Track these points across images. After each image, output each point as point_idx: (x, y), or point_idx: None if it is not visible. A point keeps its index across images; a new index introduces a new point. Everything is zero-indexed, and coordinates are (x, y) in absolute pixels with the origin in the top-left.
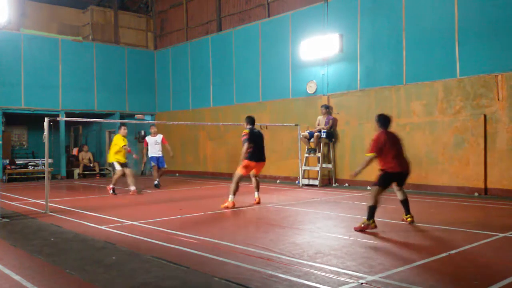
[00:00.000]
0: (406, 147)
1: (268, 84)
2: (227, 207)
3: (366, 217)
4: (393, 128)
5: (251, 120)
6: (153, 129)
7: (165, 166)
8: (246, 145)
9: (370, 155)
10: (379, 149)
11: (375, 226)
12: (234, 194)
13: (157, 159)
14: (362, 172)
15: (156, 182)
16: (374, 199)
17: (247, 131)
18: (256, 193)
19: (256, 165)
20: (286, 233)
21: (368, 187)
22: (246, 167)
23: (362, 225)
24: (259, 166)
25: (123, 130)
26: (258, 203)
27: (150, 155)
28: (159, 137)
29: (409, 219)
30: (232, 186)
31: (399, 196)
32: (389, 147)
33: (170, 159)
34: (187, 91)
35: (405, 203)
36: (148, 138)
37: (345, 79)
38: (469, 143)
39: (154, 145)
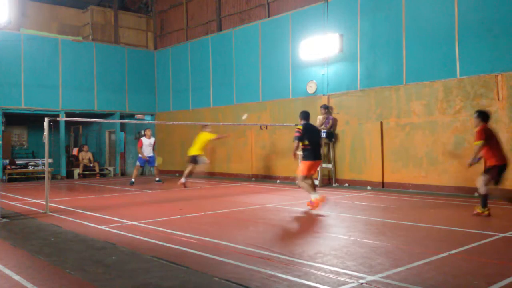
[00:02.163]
0: (406, 147)
1: (268, 84)
2: (314, 207)
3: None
4: (393, 128)
5: (305, 115)
6: (148, 132)
7: (155, 165)
8: (296, 143)
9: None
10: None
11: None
12: (313, 191)
13: (145, 160)
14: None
15: (133, 180)
16: None
17: (300, 127)
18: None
19: (312, 164)
20: (286, 233)
21: (368, 187)
22: (305, 168)
23: None
24: (315, 165)
25: (209, 128)
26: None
27: (140, 156)
28: (152, 140)
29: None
30: (305, 188)
31: None
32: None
33: (170, 159)
34: (187, 91)
35: None
36: (144, 139)
37: (345, 79)
38: (469, 143)
39: (147, 147)
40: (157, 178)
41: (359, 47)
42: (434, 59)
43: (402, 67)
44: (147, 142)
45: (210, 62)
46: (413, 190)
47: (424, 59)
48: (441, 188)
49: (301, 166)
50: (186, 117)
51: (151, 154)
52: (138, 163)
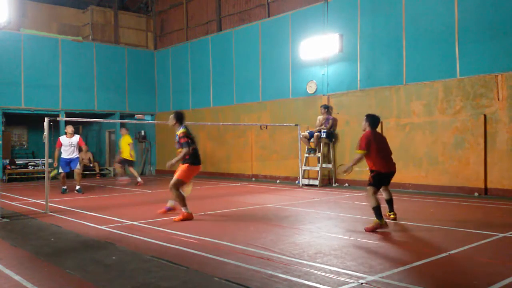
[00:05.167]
0: (406, 147)
1: (268, 84)
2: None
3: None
4: (393, 128)
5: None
6: (69, 129)
7: (78, 167)
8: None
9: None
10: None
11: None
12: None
13: (68, 162)
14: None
15: (78, 187)
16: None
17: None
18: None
19: (196, 170)
20: (286, 233)
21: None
22: (187, 174)
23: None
24: (196, 172)
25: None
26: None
27: (61, 157)
28: (76, 138)
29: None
30: (179, 199)
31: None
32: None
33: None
34: (187, 91)
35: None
36: (62, 139)
37: (345, 79)
38: (469, 143)
39: (68, 147)
40: (77, 187)
41: (359, 47)
42: (434, 59)
43: (402, 67)
44: (67, 142)
45: (210, 62)
46: (413, 190)
47: (424, 59)
48: (441, 188)
49: (184, 171)
50: (186, 117)
51: (72, 156)
52: (61, 170)
